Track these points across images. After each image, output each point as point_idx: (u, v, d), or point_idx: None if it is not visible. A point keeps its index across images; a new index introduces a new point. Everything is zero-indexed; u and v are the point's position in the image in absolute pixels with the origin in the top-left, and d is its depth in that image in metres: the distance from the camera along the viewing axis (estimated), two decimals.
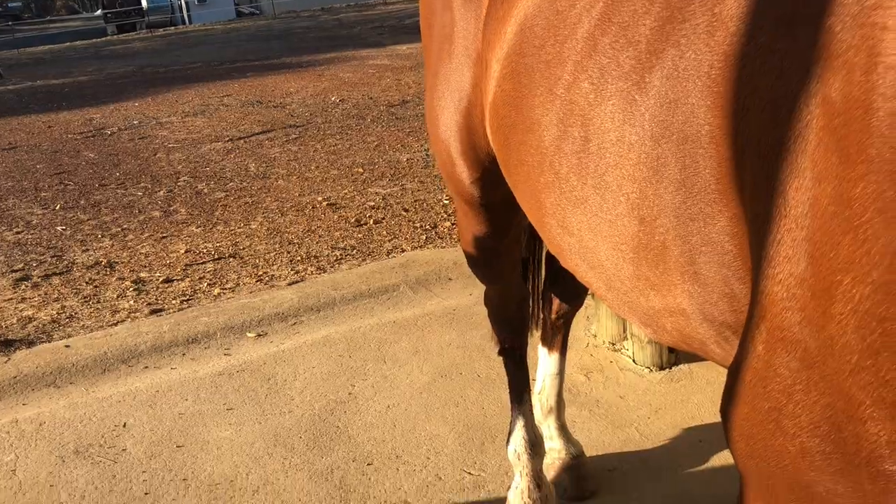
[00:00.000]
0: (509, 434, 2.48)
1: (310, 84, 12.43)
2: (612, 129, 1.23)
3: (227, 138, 8.92)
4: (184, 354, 3.70)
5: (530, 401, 2.46)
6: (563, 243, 1.47)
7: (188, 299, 4.40)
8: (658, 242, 1.18)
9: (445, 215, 5.53)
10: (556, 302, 2.59)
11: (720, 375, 3.25)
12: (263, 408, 3.20)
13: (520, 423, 2.43)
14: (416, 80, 11.63)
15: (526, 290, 2.44)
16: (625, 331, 3.38)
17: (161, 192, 6.92)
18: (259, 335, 3.83)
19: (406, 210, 5.76)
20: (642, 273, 1.25)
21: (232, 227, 5.75)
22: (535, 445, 2.42)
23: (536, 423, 2.55)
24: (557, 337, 2.64)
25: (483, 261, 2.18)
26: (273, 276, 4.65)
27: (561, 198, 1.39)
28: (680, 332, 1.28)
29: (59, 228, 6.14)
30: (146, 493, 2.74)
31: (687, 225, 1.11)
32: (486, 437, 2.91)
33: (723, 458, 2.70)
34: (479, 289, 4.17)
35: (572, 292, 2.56)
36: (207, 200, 6.54)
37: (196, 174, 7.47)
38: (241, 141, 8.69)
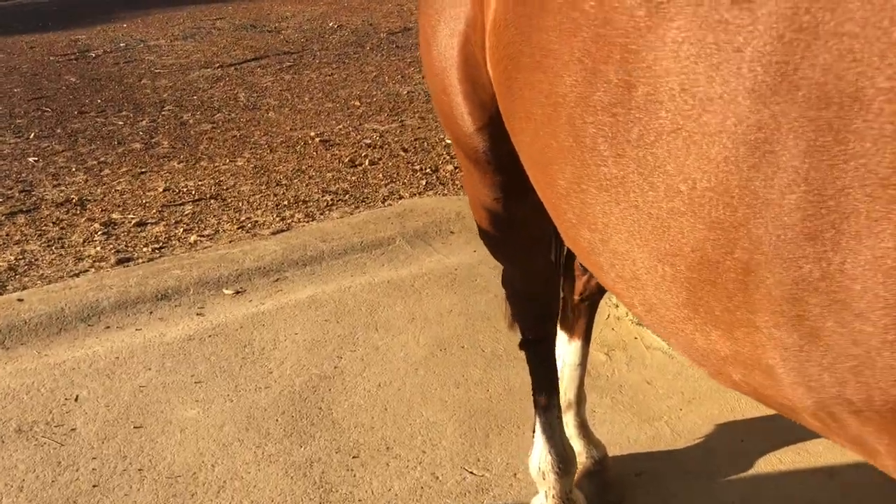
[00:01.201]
0: (533, 447, 2.05)
1: (307, 7, 11.74)
2: (677, 69, 0.79)
3: (217, 65, 8.34)
4: (151, 313, 3.28)
5: (559, 406, 2.03)
6: (582, 239, 1.03)
7: (161, 247, 3.96)
8: (738, 263, 0.76)
9: (448, 157, 5.05)
10: (581, 279, 2.15)
11: None
12: (237, 382, 2.80)
13: (546, 436, 1.99)
14: None
15: (554, 266, 1.99)
16: None
17: (143, 122, 6.41)
18: (237, 292, 3.41)
19: (405, 150, 5.28)
20: (703, 302, 0.84)
21: (216, 164, 5.27)
22: (566, 462, 2.00)
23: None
24: (580, 321, 2.21)
25: (497, 233, 1.73)
26: (256, 222, 4.20)
27: (582, 174, 0.95)
28: (757, 391, 0.88)
29: (31, 160, 5.66)
30: (94, 486, 2.35)
31: (801, 245, 0.68)
32: (490, 427, 2.51)
33: (769, 462, 2.31)
34: (483, 247, 3.74)
35: None
36: (192, 133, 6.04)
37: (182, 103, 6.94)
38: (232, 68, 8.12)
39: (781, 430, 2.43)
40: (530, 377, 2.02)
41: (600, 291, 2.17)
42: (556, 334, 2.03)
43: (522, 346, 1.99)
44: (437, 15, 1.43)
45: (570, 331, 2.24)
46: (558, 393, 2.03)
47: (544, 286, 1.92)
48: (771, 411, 2.43)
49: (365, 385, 2.74)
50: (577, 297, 2.17)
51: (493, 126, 1.43)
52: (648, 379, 2.71)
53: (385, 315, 3.15)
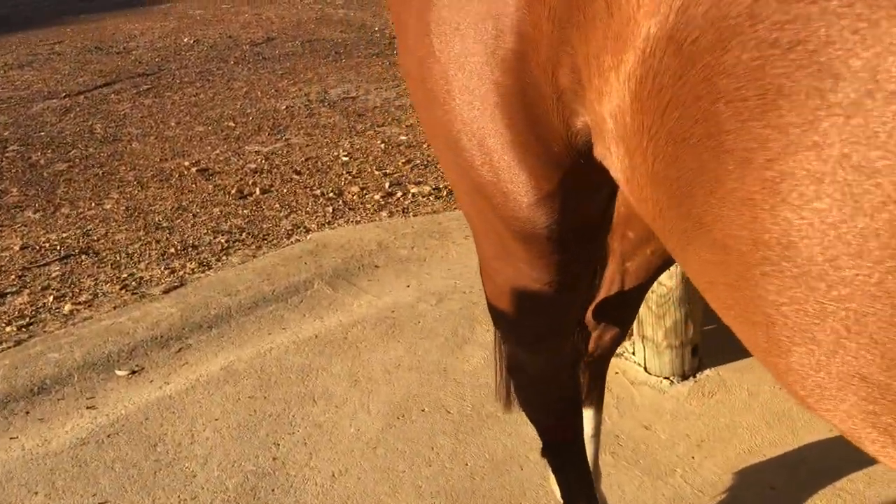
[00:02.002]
0: None
1: (156, 24, 10.86)
2: None
3: (63, 94, 7.47)
4: (27, 413, 2.65)
5: None
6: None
7: (28, 324, 3.29)
8: None
9: (349, 177, 4.56)
10: (597, 330, 1.74)
11: (761, 382, 2.58)
12: (153, 495, 2.24)
13: None
14: (279, 14, 10.34)
15: (578, 345, 1.57)
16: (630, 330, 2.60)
17: None
18: (133, 372, 2.82)
19: (298, 173, 4.75)
20: None
21: (80, 210, 4.57)
22: None
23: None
24: (596, 383, 1.81)
25: (530, 320, 1.30)
26: (142, 278, 3.59)
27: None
28: None
29: None
30: None
31: None
32: None
33: None
34: (417, 278, 3.32)
35: (618, 315, 1.72)
36: (45, 175, 5.27)
37: (28, 141, 6.10)
38: (82, 97, 7.28)
39: (810, 471, 2.12)
40: (557, 486, 1.60)
41: (613, 347, 1.77)
42: (583, 427, 1.60)
43: (545, 452, 1.56)
44: (450, 16, 0.97)
45: (583, 395, 1.83)
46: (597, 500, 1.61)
47: (571, 368, 1.50)
48: (791, 445, 2.10)
49: (315, 478, 2.25)
50: (592, 349, 1.76)
51: (565, 191, 1.00)
52: (646, 424, 2.34)
53: (321, 381, 2.66)
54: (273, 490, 2.22)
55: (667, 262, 1.59)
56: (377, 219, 3.90)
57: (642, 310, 2.42)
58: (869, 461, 2.11)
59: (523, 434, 2.33)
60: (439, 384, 2.59)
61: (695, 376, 2.52)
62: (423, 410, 2.48)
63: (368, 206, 4.10)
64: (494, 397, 1.82)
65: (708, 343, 2.60)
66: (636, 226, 1.47)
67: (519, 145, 0.98)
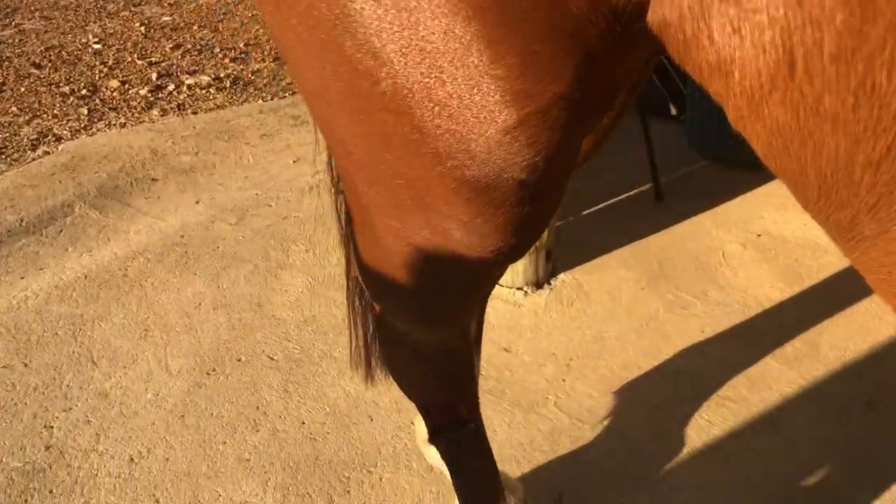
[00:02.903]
0: None
1: None
2: None
3: None
4: None
5: None
6: None
7: None
8: None
9: (105, 69, 3.77)
10: None
11: (620, 283, 2.32)
12: None
13: None
14: None
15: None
16: None
17: None
18: None
19: (38, 66, 3.87)
20: None
21: None
22: None
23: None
24: (478, 321, 1.43)
25: (448, 298, 0.89)
26: None
27: None
28: None
29: None
30: None
31: None
32: (342, 481, 1.68)
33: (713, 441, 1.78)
34: (208, 192, 2.75)
35: None
36: None
37: None
38: None
39: (690, 381, 1.91)
40: (457, 483, 1.22)
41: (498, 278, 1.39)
42: (478, 397, 1.22)
43: (437, 437, 1.17)
44: None
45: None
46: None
47: (469, 344, 1.10)
48: (665, 354, 1.87)
49: (107, 466, 1.74)
50: None
51: (570, 102, 0.57)
52: (504, 344, 2.03)
53: (100, 335, 2.09)
54: (51, 491, 1.69)
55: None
56: (147, 119, 3.22)
57: None
58: (745, 363, 1.94)
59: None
60: (255, 324, 2.12)
61: (549, 283, 2.23)
62: (238, 360, 2.01)
63: (133, 103, 3.39)
64: (349, 364, 1.41)
65: (556, 239, 2.31)
66: None
67: (498, 19, 0.53)
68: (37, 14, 4.57)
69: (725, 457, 1.70)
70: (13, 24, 4.44)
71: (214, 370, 1.97)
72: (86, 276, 2.30)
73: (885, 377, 1.87)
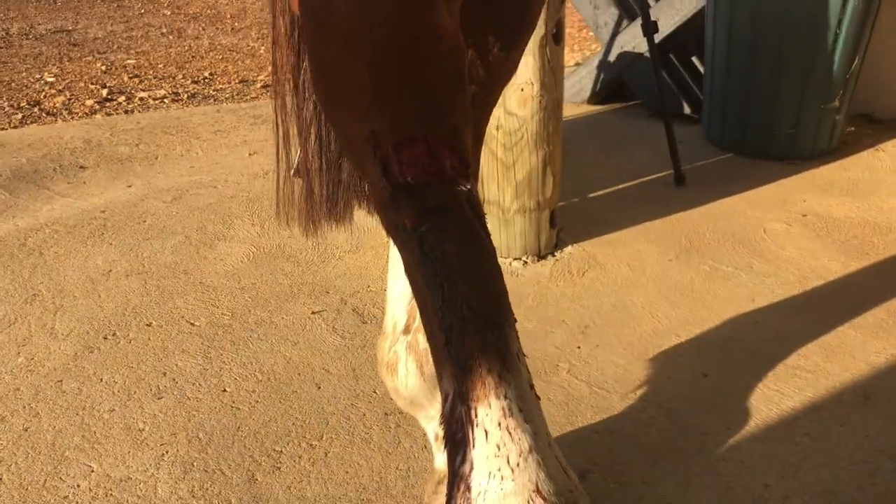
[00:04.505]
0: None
1: None
2: None
3: None
4: None
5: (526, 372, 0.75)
6: None
7: None
8: None
9: (54, 91, 3.41)
10: None
11: (642, 257, 1.88)
12: None
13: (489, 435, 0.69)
14: None
15: None
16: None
17: None
18: None
19: None
20: None
21: None
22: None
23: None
24: None
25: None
26: None
27: None
28: None
29: None
30: None
31: None
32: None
33: (733, 397, 1.30)
34: (144, 178, 2.32)
35: None
36: None
37: None
38: None
39: (747, 351, 1.44)
40: (426, 311, 0.72)
41: None
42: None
43: (407, 229, 0.68)
44: None
45: None
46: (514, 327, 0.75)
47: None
48: (711, 322, 1.44)
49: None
50: None
51: None
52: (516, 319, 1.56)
53: (9, 308, 1.62)
54: None
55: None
56: (87, 117, 2.83)
57: (484, 159, 1.63)
58: (814, 333, 1.48)
59: (320, 342, 1.46)
60: (177, 290, 1.64)
61: (554, 255, 1.78)
62: (148, 325, 1.52)
63: (76, 110, 3.00)
64: (276, 215, 0.96)
65: (562, 218, 1.89)
66: None
67: None
68: None
69: (805, 429, 1.22)
70: None
71: (115, 334, 1.49)
72: None
73: None
